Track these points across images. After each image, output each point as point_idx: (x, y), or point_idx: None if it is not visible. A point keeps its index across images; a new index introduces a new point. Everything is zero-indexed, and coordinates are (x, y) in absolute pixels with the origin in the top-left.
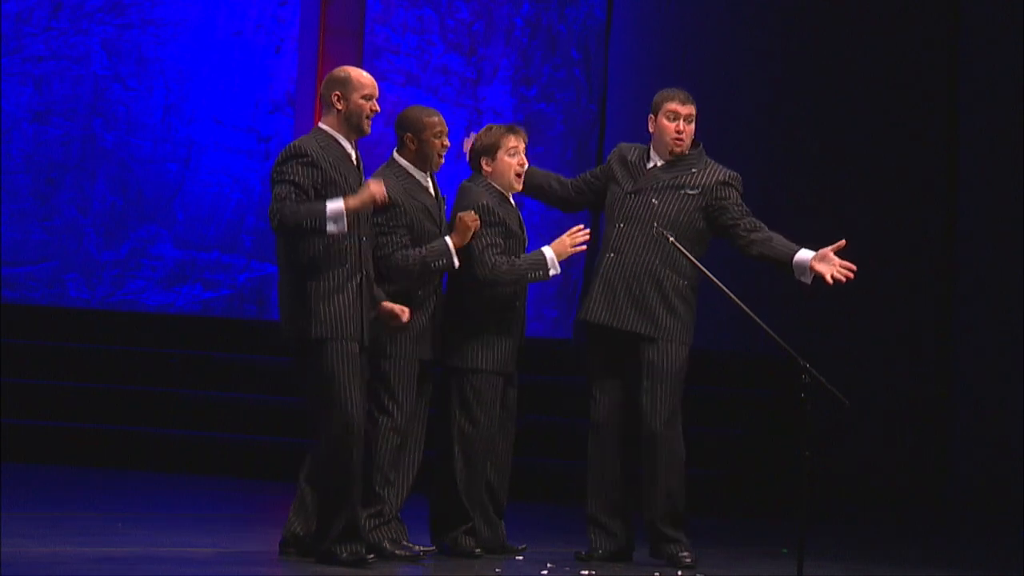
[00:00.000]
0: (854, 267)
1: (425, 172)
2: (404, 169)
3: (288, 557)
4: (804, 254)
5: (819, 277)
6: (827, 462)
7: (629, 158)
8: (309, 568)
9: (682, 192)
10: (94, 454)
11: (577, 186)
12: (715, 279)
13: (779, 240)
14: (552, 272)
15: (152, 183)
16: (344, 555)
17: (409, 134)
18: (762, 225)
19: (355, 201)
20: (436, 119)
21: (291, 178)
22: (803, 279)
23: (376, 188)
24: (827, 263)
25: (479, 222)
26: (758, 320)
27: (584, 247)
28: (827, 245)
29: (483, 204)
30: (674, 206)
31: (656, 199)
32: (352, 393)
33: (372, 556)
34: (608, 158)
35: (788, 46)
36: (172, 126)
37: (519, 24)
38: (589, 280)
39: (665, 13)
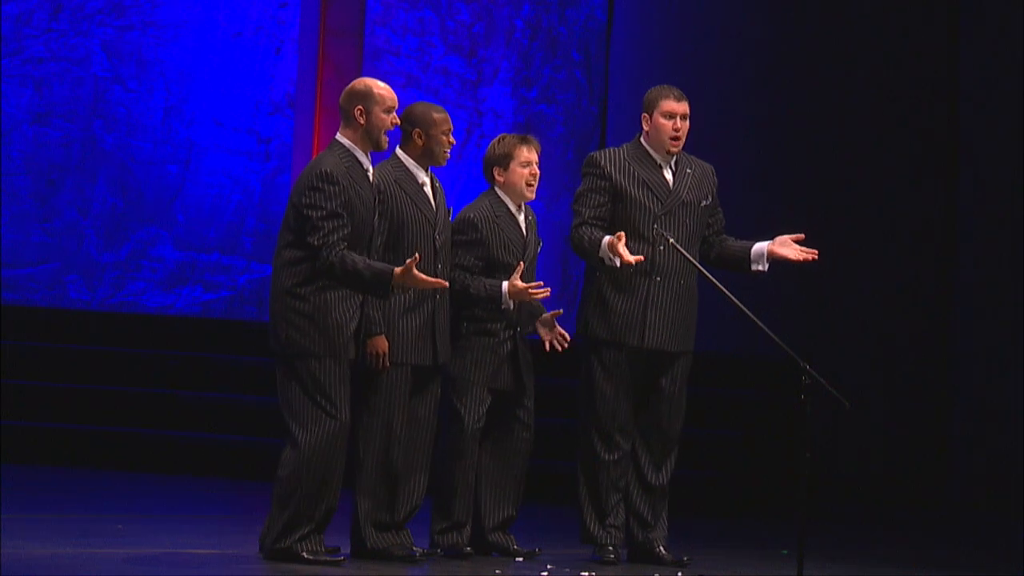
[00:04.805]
0: (815, 251)
1: (423, 168)
2: (402, 162)
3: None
4: (761, 243)
5: (780, 260)
6: (827, 462)
7: (630, 167)
8: (309, 569)
9: (702, 206)
10: (94, 456)
11: (604, 224)
12: (715, 281)
13: (731, 240)
14: (503, 307)
15: (152, 185)
16: (306, 554)
17: (418, 129)
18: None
19: (401, 277)
20: (445, 116)
21: (330, 207)
22: (758, 267)
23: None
24: (788, 247)
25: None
26: (758, 322)
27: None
28: (826, 245)
29: (468, 218)
30: (699, 220)
31: (688, 219)
32: (342, 402)
33: (341, 555)
34: (597, 171)
35: (790, 48)
36: (172, 128)
37: (519, 26)
38: (615, 298)
39: (666, 15)
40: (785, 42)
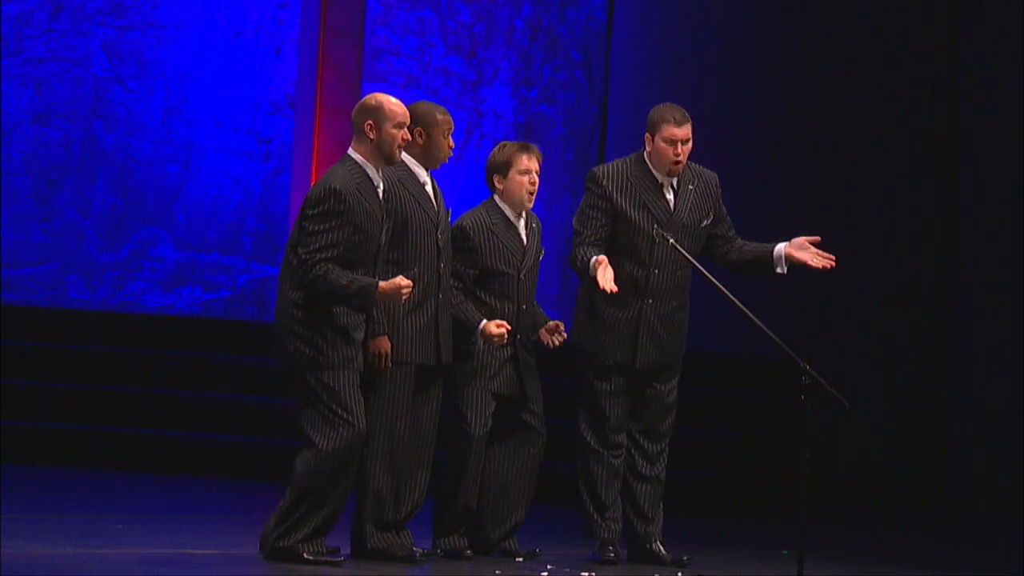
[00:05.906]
0: (833, 257)
1: (424, 167)
2: (403, 162)
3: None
4: (780, 245)
5: (798, 264)
6: (827, 462)
7: (632, 188)
8: (309, 569)
9: (703, 226)
10: (94, 456)
11: (603, 245)
12: (715, 281)
13: (749, 243)
14: (472, 341)
15: (152, 185)
16: (307, 555)
17: (420, 128)
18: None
19: (386, 288)
20: (447, 118)
21: (328, 224)
22: (779, 269)
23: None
24: (805, 251)
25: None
26: (758, 322)
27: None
28: (826, 245)
29: (461, 225)
30: (698, 240)
31: (687, 241)
32: (358, 409)
33: (341, 555)
34: (599, 190)
35: (790, 48)
36: (172, 128)
37: (519, 26)
38: (607, 314)
39: (666, 15)
40: (785, 42)
